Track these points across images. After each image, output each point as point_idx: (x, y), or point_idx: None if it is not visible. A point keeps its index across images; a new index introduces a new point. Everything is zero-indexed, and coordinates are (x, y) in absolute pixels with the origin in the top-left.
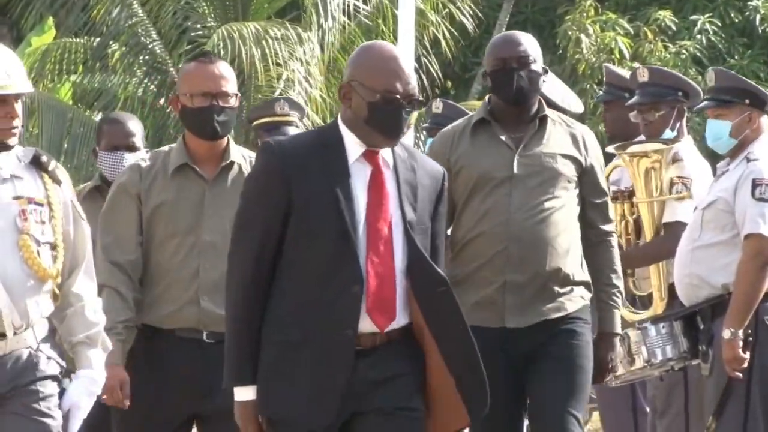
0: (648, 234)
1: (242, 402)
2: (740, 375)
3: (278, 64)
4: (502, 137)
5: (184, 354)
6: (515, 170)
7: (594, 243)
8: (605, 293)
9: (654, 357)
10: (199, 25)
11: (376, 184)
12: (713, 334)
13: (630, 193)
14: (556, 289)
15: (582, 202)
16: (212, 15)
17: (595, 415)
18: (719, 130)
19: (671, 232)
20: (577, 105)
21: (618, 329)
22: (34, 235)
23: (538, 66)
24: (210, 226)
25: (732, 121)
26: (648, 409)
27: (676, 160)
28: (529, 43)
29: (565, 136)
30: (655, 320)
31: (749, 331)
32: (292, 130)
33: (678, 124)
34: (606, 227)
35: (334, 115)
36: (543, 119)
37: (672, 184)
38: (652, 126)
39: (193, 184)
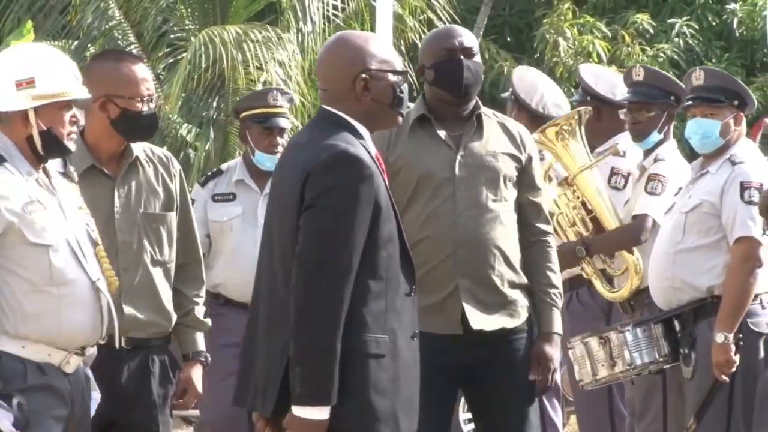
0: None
1: (320, 421)
2: (727, 379)
3: (258, 68)
4: (442, 136)
5: (101, 359)
6: (457, 171)
7: (531, 242)
8: (545, 293)
9: (635, 360)
10: (177, 29)
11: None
12: (696, 338)
13: (566, 178)
14: (507, 293)
15: (519, 200)
16: (191, 18)
17: (573, 418)
18: (709, 129)
19: (638, 224)
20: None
21: (559, 329)
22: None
23: (479, 58)
24: (122, 225)
25: (721, 120)
26: (626, 412)
27: (657, 160)
28: (471, 35)
29: (503, 134)
30: (636, 324)
31: (740, 335)
32: (283, 122)
33: (666, 128)
34: (543, 226)
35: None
36: (479, 116)
37: (649, 180)
38: (639, 126)
39: (101, 185)
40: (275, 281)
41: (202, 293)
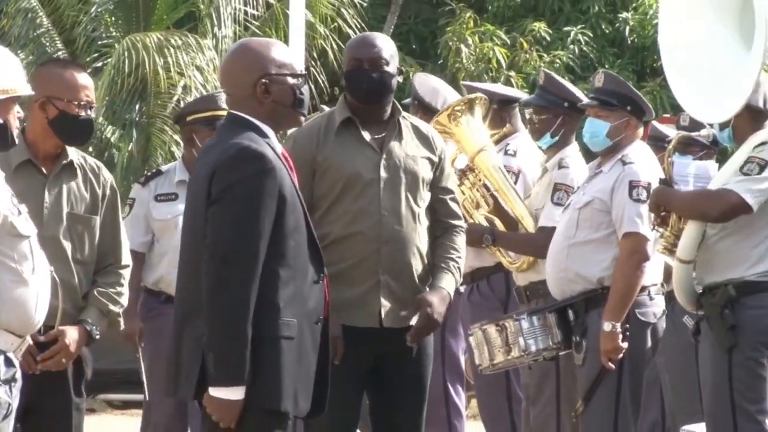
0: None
1: (233, 401)
2: (613, 366)
3: (179, 72)
4: (367, 138)
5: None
6: (381, 173)
7: (440, 234)
8: (443, 260)
9: (530, 347)
10: (104, 35)
11: None
12: (587, 326)
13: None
14: (421, 289)
15: (432, 198)
16: (115, 26)
17: (473, 401)
18: (598, 129)
19: (546, 237)
20: None
21: (450, 289)
22: None
23: (392, 67)
24: (49, 221)
25: (611, 123)
26: (522, 396)
27: (562, 166)
28: (384, 45)
29: (419, 138)
30: (531, 312)
31: (626, 325)
32: None
33: (562, 131)
34: (454, 221)
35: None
36: (398, 121)
37: (556, 189)
38: (535, 127)
39: (33, 180)
40: (190, 273)
41: (121, 290)
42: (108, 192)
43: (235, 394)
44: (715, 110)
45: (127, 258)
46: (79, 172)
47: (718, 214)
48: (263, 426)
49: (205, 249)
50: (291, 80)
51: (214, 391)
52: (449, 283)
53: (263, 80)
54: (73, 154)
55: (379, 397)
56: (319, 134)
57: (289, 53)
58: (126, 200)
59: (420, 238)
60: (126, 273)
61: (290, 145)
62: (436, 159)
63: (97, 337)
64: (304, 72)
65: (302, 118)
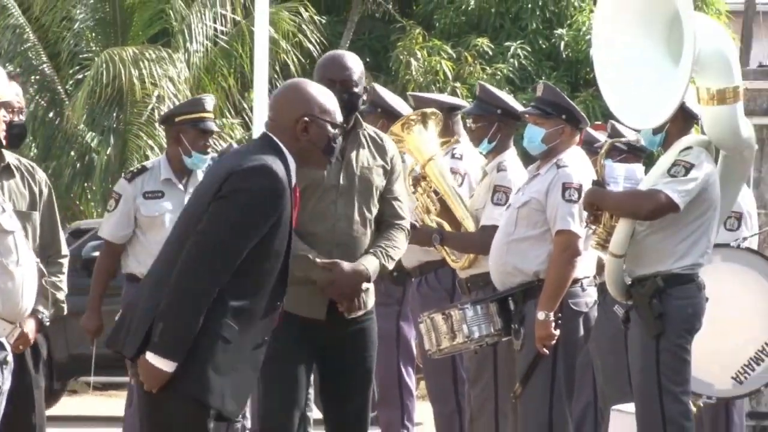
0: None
1: (162, 371)
2: (547, 351)
3: (152, 83)
4: None
5: None
6: (341, 181)
7: (382, 230)
8: (374, 247)
9: (473, 333)
10: (85, 49)
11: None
12: (525, 315)
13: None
14: (365, 286)
15: (380, 200)
16: (95, 41)
17: (422, 383)
18: (534, 135)
19: (487, 234)
20: None
21: (368, 266)
22: None
23: (360, 88)
24: None
25: (546, 129)
26: (465, 378)
27: (501, 169)
28: (355, 66)
29: (376, 148)
30: (474, 302)
31: (559, 314)
32: (213, 125)
33: (499, 137)
34: (396, 221)
35: None
36: (359, 133)
37: (495, 191)
38: (473, 134)
39: None
40: (172, 250)
41: (62, 278)
42: (44, 189)
43: (167, 366)
44: (646, 118)
45: (65, 248)
46: (16, 172)
47: (649, 212)
48: (187, 412)
49: (194, 234)
50: (330, 128)
51: (151, 357)
52: (370, 262)
53: (306, 118)
54: (9, 156)
55: (328, 383)
56: None
57: (335, 104)
58: (111, 194)
59: (368, 241)
60: (65, 261)
61: None
62: (388, 167)
63: (47, 323)
64: (342, 124)
65: (328, 165)
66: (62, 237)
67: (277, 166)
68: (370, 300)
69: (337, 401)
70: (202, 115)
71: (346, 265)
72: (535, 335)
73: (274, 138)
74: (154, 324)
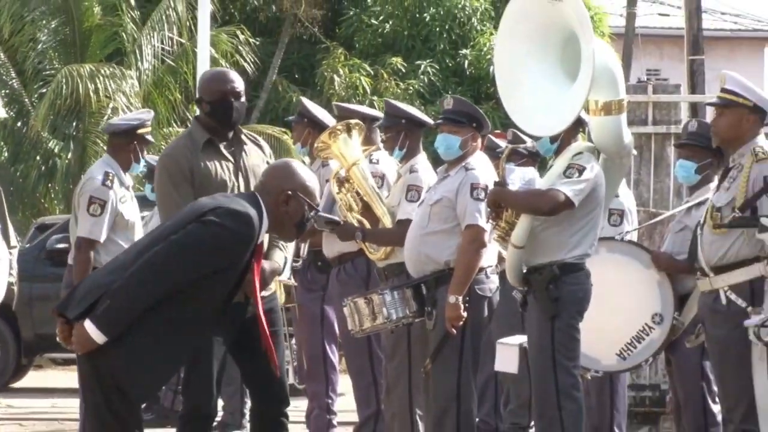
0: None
1: (95, 341)
2: (454, 331)
3: (107, 96)
4: (225, 153)
5: None
6: (238, 180)
7: None
8: (275, 240)
9: (391, 315)
10: (48, 67)
11: None
12: (437, 299)
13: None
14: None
15: None
16: (57, 59)
17: (343, 360)
18: (451, 143)
19: (403, 228)
20: None
21: (279, 260)
22: None
23: (244, 98)
24: None
25: (461, 137)
26: (381, 356)
27: (412, 171)
28: (239, 80)
29: (257, 150)
30: (392, 288)
31: (467, 298)
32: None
33: (407, 143)
34: None
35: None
36: (241, 138)
37: (408, 189)
38: (385, 144)
39: None
40: (141, 248)
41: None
42: None
43: (99, 337)
44: (547, 128)
45: (14, 240)
46: None
47: (550, 209)
48: (113, 398)
49: (167, 241)
50: (307, 210)
51: (88, 325)
52: (279, 257)
53: (289, 192)
54: None
55: (246, 358)
56: (188, 154)
57: (317, 188)
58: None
59: None
60: (15, 252)
61: (170, 162)
62: (270, 162)
63: None
64: (318, 209)
65: (294, 238)
66: (11, 229)
67: (256, 221)
68: (272, 285)
69: (257, 370)
70: (150, 129)
71: (265, 264)
72: (446, 316)
73: (258, 197)
74: (102, 299)
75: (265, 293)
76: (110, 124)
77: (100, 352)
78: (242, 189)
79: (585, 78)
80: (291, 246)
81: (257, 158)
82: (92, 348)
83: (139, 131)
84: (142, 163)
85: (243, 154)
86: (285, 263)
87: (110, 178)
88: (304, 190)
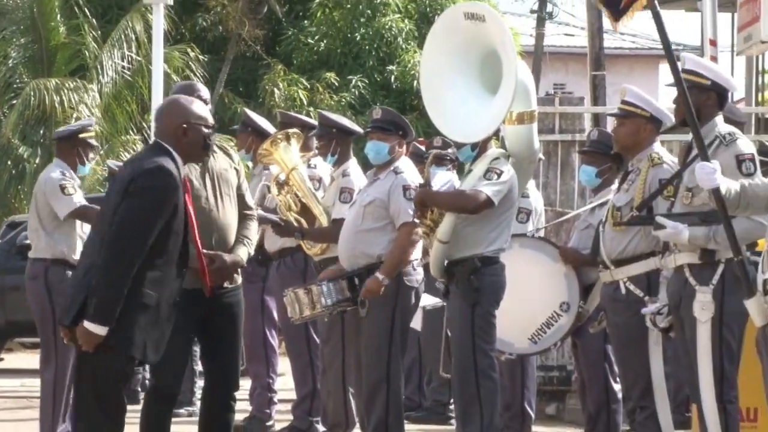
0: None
1: (99, 335)
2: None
3: (71, 107)
4: None
5: None
6: (204, 180)
7: (240, 220)
8: (240, 237)
9: (328, 304)
10: (18, 80)
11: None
12: None
13: (284, 180)
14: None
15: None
16: (26, 73)
17: (283, 344)
18: (381, 149)
19: (338, 226)
20: None
21: (244, 257)
22: None
23: (210, 106)
24: None
25: (389, 143)
26: (318, 340)
27: (345, 175)
28: (206, 92)
29: (225, 157)
30: (329, 280)
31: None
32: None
33: (339, 150)
34: (248, 211)
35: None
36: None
37: (342, 191)
38: (319, 151)
39: None
40: (95, 244)
41: None
42: None
43: (101, 330)
44: (470, 135)
45: None
46: None
47: (473, 208)
48: (116, 361)
49: (112, 225)
50: (204, 129)
51: (88, 324)
52: (243, 252)
53: (184, 125)
54: None
55: (207, 343)
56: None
57: (206, 111)
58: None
59: (234, 224)
60: None
61: None
62: (237, 168)
63: None
64: (214, 125)
65: (206, 158)
66: None
67: (169, 165)
68: (238, 278)
69: (215, 355)
70: (92, 134)
71: (227, 257)
72: (366, 287)
73: (162, 142)
74: (89, 299)
75: (229, 285)
76: (56, 131)
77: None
78: (208, 189)
79: (508, 92)
80: (255, 242)
81: (224, 163)
82: (99, 342)
83: (81, 135)
84: (89, 165)
85: (210, 159)
86: (248, 258)
87: (66, 174)
88: (194, 116)
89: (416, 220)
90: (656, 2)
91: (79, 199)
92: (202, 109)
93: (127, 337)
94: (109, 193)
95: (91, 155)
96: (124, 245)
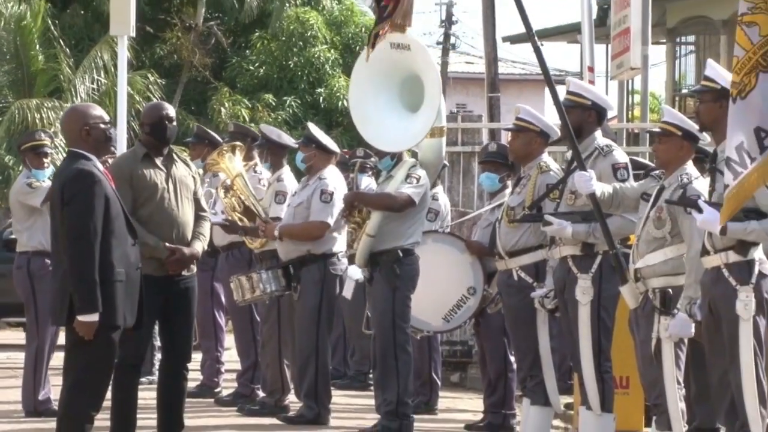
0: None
1: (92, 322)
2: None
3: (50, 124)
4: (159, 165)
5: None
6: (169, 185)
7: (196, 219)
8: (196, 234)
9: (266, 289)
10: (2, 101)
11: None
12: (300, 276)
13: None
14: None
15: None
16: (10, 95)
17: (230, 323)
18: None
19: (275, 225)
20: None
21: (197, 248)
22: None
23: (175, 122)
24: None
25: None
26: (259, 320)
27: (279, 180)
28: (171, 109)
29: (184, 166)
30: (268, 268)
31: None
32: (48, 150)
33: (275, 160)
34: (202, 213)
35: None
36: (173, 155)
37: (276, 194)
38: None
39: None
40: (59, 252)
41: None
42: None
43: (93, 318)
44: (395, 146)
45: None
46: None
47: (399, 206)
48: (106, 333)
49: (64, 232)
50: (102, 126)
51: (81, 317)
52: (198, 246)
53: (86, 127)
54: None
55: (166, 321)
56: (130, 163)
57: (100, 109)
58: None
59: (191, 222)
60: None
61: (115, 168)
62: (194, 176)
63: None
64: (109, 120)
65: (112, 149)
66: None
67: (86, 166)
68: (194, 267)
69: (172, 332)
70: (37, 143)
71: (186, 250)
72: (263, 228)
73: (74, 149)
74: (72, 297)
75: (186, 273)
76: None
77: None
78: (170, 191)
79: (432, 111)
80: (207, 238)
81: (184, 171)
82: (96, 326)
83: (22, 147)
84: (48, 171)
85: (173, 167)
86: (202, 250)
87: (29, 176)
88: (92, 117)
89: (325, 219)
90: (536, 38)
91: (46, 186)
92: (96, 109)
93: (110, 311)
94: (52, 204)
95: (44, 161)
96: (79, 246)
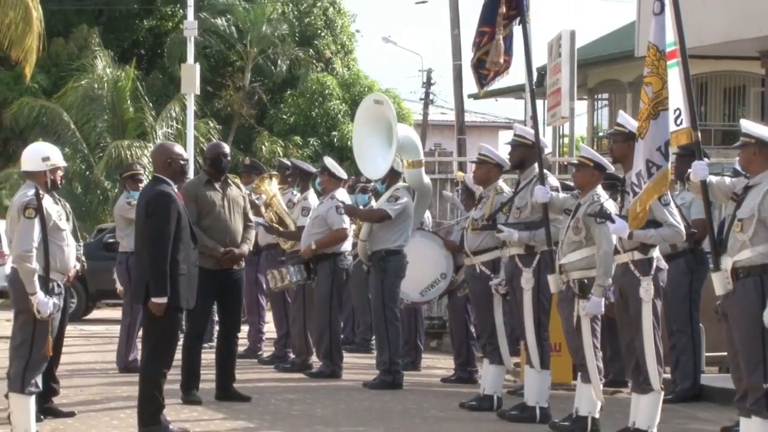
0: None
1: (162, 304)
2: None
3: (137, 158)
4: (218, 188)
5: None
6: (225, 203)
7: (245, 228)
8: (244, 238)
9: (293, 279)
10: (102, 141)
11: None
12: (317, 270)
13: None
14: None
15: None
16: (108, 136)
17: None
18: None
19: (300, 230)
20: None
21: (246, 251)
22: None
23: (229, 158)
24: None
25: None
26: (290, 300)
27: (305, 199)
28: (227, 147)
29: (237, 189)
30: (294, 263)
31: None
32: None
33: (301, 183)
34: (249, 223)
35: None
36: (227, 180)
37: (303, 209)
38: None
39: None
40: (140, 249)
41: None
42: None
43: (163, 300)
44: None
45: None
46: None
47: (378, 219)
48: (172, 313)
49: (146, 236)
50: (182, 162)
51: (154, 299)
52: (245, 248)
53: (168, 159)
54: None
55: (222, 302)
56: (196, 187)
57: (182, 148)
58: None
59: (241, 230)
60: None
61: (184, 190)
62: (244, 196)
63: None
64: (187, 159)
65: (185, 181)
66: None
67: (166, 189)
68: (242, 263)
69: (226, 310)
70: (135, 172)
71: (236, 250)
72: (302, 249)
73: (157, 175)
74: (149, 284)
75: (236, 267)
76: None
77: None
78: (225, 208)
79: (392, 150)
80: (253, 241)
81: (236, 192)
82: (165, 307)
83: (124, 175)
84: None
85: (228, 189)
86: (248, 251)
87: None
88: (174, 154)
89: (344, 227)
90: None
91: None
92: (179, 148)
93: (175, 297)
94: (138, 215)
95: (140, 185)
96: (156, 247)
